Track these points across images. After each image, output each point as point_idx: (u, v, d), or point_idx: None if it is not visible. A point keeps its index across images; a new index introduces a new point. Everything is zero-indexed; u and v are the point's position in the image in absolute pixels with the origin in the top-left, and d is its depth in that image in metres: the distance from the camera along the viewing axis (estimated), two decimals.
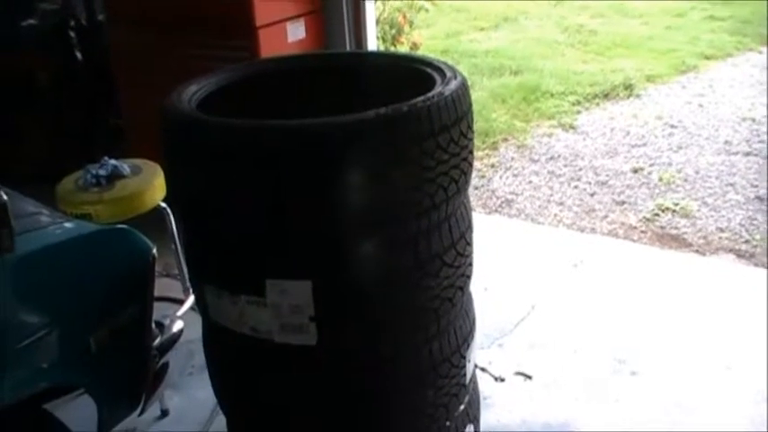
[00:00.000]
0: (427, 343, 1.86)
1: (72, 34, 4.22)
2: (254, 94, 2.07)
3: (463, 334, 1.97)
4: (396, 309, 1.76)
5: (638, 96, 5.95)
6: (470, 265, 1.95)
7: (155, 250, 2.03)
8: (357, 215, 1.64)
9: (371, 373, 1.82)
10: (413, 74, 1.97)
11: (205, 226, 1.82)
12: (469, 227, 1.92)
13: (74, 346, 1.87)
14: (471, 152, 1.83)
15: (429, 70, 1.93)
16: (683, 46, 7.16)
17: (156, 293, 2.63)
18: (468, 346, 2.00)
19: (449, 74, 1.85)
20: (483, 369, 2.75)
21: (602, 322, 3.04)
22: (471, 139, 1.81)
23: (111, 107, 4.20)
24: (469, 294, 2.05)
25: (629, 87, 6.06)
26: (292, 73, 2.15)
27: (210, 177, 1.68)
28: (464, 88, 1.79)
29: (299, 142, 1.57)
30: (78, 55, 4.24)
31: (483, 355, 2.81)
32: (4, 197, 1.67)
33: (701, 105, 5.70)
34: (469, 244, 1.91)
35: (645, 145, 4.99)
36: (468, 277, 1.95)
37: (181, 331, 2.28)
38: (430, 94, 1.69)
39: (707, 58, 6.84)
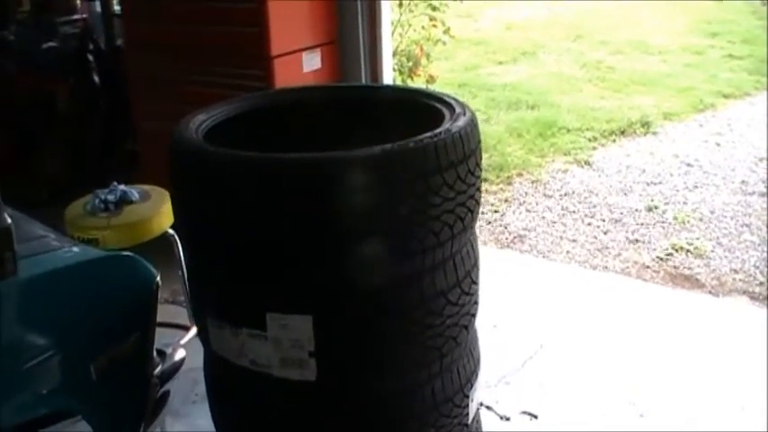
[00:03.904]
0: (429, 382, 1.83)
1: (91, 58, 4.27)
2: (262, 124, 2.07)
3: (467, 373, 1.94)
4: (398, 347, 1.74)
5: (654, 134, 5.93)
6: (476, 303, 1.93)
7: (158, 278, 2.02)
8: (360, 251, 1.63)
9: (371, 411, 1.79)
10: (422, 109, 1.96)
11: (208, 257, 1.81)
12: (475, 265, 1.90)
13: (74, 372, 1.85)
14: (479, 189, 1.81)
15: (438, 105, 1.92)
16: (701, 84, 7.14)
17: (164, 320, 2.63)
18: (472, 385, 1.97)
19: (458, 110, 1.85)
20: (489, 407, 2.71)
21: (611, 363, 2.99)
22: (479, 177, 1.80)
23: (127, 132, 4.23)
24: (475, 332, 2.02)
25: (645, 124, 6.03)
26: (302, 104, 2.16)
27: (213, 209, 1.67)
28: (473, 125, 1.78)
29: (302, 176, 1.57)
30: (96, 79, 4.28)
31: (489, 393, 2.76)
32: (8, 221, 1.67)
33: (718, 144, 5.66)
34: (475, 282, 1.89)
35: (660, 183, 4.95)
36: (474, 316, 1.93)
37: (183, 360, 2.27)
38: (437, 131, 1.69)
39: (725, 96, 6.81)
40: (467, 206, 1.74)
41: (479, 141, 1.81)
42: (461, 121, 1.75)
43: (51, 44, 4.47)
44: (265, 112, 2.10)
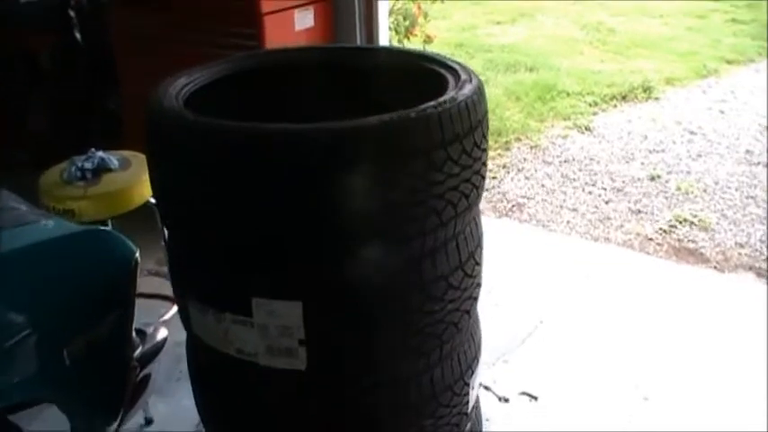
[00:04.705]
0: (428, 370, 1.70)
1: (72, 14, 4.06)
2: (250, 89, 1.91)
3: (468, 360, 1.81)
4: (395, 335, 1.61)
5: (656, 99, 5.77)
6: (479, 285, 1.79)
7: (137, 254, 1.88)
8: (355, 232, 1.48)
9: (365, 402, 1.66)
10: (424, 74, 1.81)
11: (188, 235, 1.66)
12: (479, 245, 1.75)
13: (46, 357, 1.72)
14: (485, 164, 1.66)
15: (442, 70, 1.77)
16: (703, 49, 6.97)
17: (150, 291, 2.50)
18: (473, 372, 1.85)
19: (463, 76, 1.69)
20: (487, 388, 2.59)
21: (613, 341, 2.88)
22: (485, 150, 1.65)
23: (111, 93, 4.04)
24: (476, 316, 1.89)
25: (647, 90, 5.87)
26: (293, 67, 1.99)
27: (194, 183, 1.52)
28: (480, 93, 1.63)
29: (293, 149, 1.41)
30: (78, 36, 4.08)
31: (487, 372, 2.65)
32: None
33: (721, 112, 5.51)
34: (478, 264, 1.75)
35: (663, 151, 4.81)
36: (476, 299, 1.80)
37: (165, 340, 2.13)
38: (441, 99, 1.53)
39: (728, 62, 6.65)
40: (472, 182, 1.59)
41: (486, 111, 1.66)
42: (467, 89, 1.59)
43: None
44: (251, 76, 1.93)
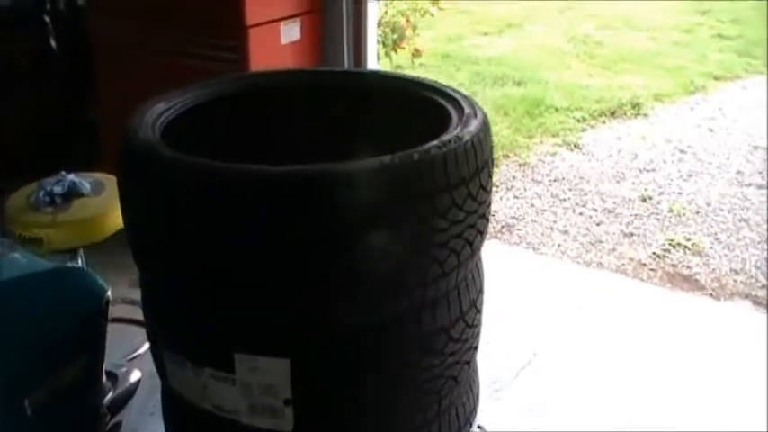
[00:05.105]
0: (425, 426, 1.57)
1: (48, 19, 3.88)
2: (234, 116, 1.77)
3: (466, 413, 1.68)
4: (391, 392, 1.47)
5: (645, 116, 5.68)
6: (479, 334, 1.66)
7: (109, 293, 1.74)
8: (349, 284, 1.35)
9: None
10: (423, 104, 1.68)
11: (164, 281, 1.51)
12: (481, 290, 1.62)
13: (4, 408, 1.57)
14: (489, 205, 1.53)
15: (443, 101, 1.64)
16: (690, 64, 6.91)
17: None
18: (471, 425, 1.72)
19: (467, 110, 1.56)
20: (479, 427, 2.46)
21: (608, 374, 2.76)
22: (490, 192, 1.52)
23: (87, 103, 3.87)
24: (475, 365, 1.76)
25: (636, 106, 5.78)
26: (279, 92, 1.84)
27: (170, 225, 1.37)
28: (486, 130, 1.50)
29: (282, 194, 1.27)
30: (53, 43, 3.90)
31: (479, 411, 2.52)
32: None
33: (711, 130, 5.44)
34: (480, 311, 1.62)
35: (654, 170, 4.71)
36: (476, 349, 1.66)
37: (138, 382, 1.99)
38: (446, 138, 1.40)
39: (715, 78, 6.59)
40: (477, 228, 1.46)
41: (492, 149, 1.53)
42: (473, 126, 1.46)
43: (2, 3, 4.06)
44: (235, 102, 1.78)
